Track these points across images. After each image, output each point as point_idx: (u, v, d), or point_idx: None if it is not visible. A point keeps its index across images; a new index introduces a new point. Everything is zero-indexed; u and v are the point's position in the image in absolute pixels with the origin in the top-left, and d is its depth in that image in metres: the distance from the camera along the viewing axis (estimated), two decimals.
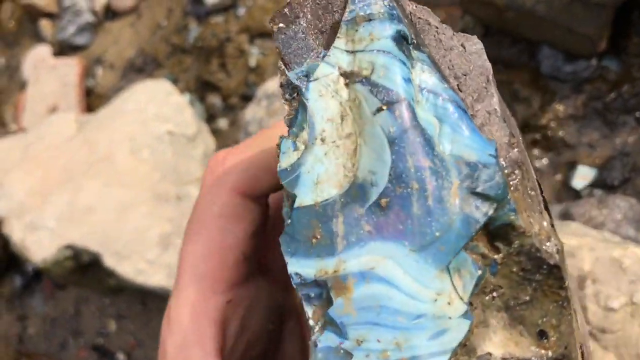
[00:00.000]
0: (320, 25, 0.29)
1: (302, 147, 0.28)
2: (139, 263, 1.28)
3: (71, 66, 1.94)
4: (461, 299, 0.25)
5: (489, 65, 0.30)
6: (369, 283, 0.26)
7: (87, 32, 2.03)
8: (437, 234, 0.25)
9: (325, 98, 0.28)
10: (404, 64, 0.27)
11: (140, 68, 1.86)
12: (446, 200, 0.26)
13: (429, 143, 0.26)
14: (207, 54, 1.68)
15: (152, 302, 1.62)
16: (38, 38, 2.24)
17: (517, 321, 0.27)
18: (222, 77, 1.64)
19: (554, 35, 1.10)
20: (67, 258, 1.37)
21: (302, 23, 0.29)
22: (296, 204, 0.27)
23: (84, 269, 1.41)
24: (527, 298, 0.27)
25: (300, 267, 0.27)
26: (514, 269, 0.27)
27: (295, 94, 0.29)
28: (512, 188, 0.27)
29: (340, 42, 0.28)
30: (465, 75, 0.29)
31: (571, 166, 1.09)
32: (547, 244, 0.27)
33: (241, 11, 1.65)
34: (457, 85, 0.29)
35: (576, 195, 1.06)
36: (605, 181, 1.05)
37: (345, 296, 0.26)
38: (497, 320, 0.27)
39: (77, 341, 1.77)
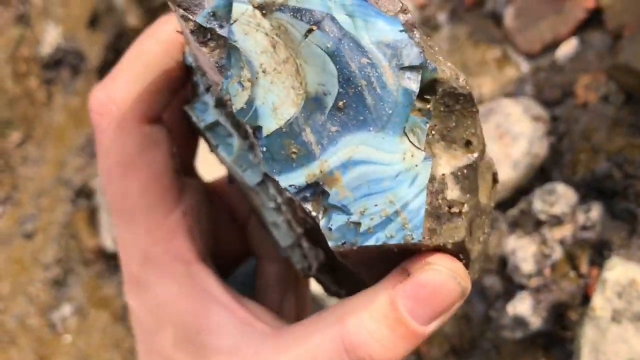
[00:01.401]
0: None
1: (248, 84, 0.30)
2: None
3: None
4: (419, 148, 0.31)
5: None
6: (352, 168, 0.31)
7: None
8: (390, 111, 0.31)
9: (251, 34, 0.30)
10: None
11: None
12: (387, 83, 0.30)
13: (357, 43, 0.30)
14: None
15: None
16: None
17: (451, 142, 0.34)
18: None
19: None
20: None
21: None
22: (264, 133, 0.31)
23: None
24: (454, 124, 0.33)
25: (290, 180, 0.31)
26: (441, 109, 0.33)
27: (210, 36, 0.31)
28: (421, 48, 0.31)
29: None
30: None
31: None
32: (459, 80, 0.33)
33: None
34: None
35: None
36: None
37: (337, 185, 0.31)
38: (439, 148, 0.33)
39: None
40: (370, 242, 0.31)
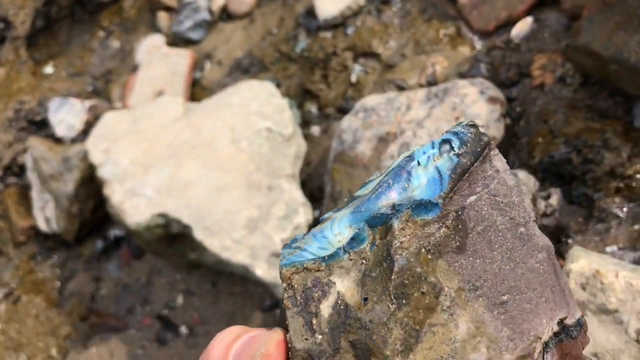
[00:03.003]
0: None
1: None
2: (226, 240, 1.38)
3: (183, 57, 2.09)
4: (344, 243, 0.43)
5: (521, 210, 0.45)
6: (326, 223, 0.45)
7: (201, 28, 2.19)
8: (363, 210, 0.44)
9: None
10: (432, 148, 0.45)
11: (246, 69, 1.99)
12: (380, 202, 0.43)
13: (407, 181, 0.44)
14: (311, 65, 1.79)
15: (222, 284, 1.72)
16: (153, 28, 2.42)
17: (362, 284, 0.42)
18: (322, 87, 1.74)
19: None
20: (158, 225, 1.48)
21: None
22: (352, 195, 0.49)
23: (170, 239, 1.53)
24: (374, 274, 0.42)
25: (324, 215, 0.47)
26: (379, 254, 0.42)
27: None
28: (421, 224, 0.42)
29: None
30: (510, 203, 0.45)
31: None
32: (400, 248, 0.41)
33: (350, 30, 1.76)
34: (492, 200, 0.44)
35: None
36: None
37: (321, 226, 0.45)
38: (355, 275, 0.42)
39: (144, 309, 1.88)
40: (284, 250, 0.45)
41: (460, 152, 0.44)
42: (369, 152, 1.40)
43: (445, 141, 0.45)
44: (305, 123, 1.77)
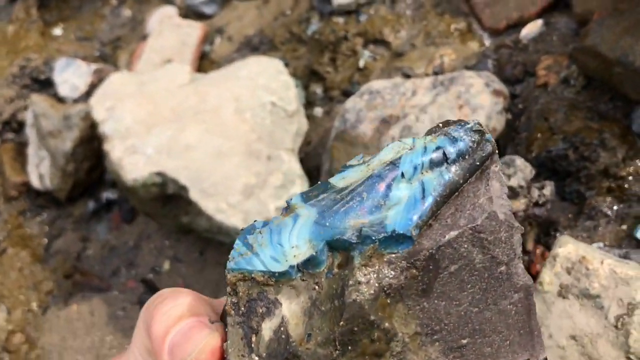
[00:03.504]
0: None
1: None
2: (221, 203, 1.40)
3: (194, 28, 2.11)
4: (299, 261, 0.39)
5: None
6: (287, 219, 0.40)
7: (215, 3, 2.21)
8: (327, 224, 0.39)
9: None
10: (424, 154, 0.39)
11: (256, 47, 2.01)
12: (348, 219, 0.38)
13: (384, 197, 0.39)
14: (321, 47, 1.81)
15: (210, 253, 1.73)
16: (167, 0, 2.43)
17: (309, 314, 0.39)
18: (330, 70, 1.76)
19: None
20: (155, 184, 1.50)
21: None
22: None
23: (165, 199, 1.54)
24: (324, 309, 0.38)
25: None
26: (333, 286, 0.38)
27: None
28: (387, 261, 0.38)
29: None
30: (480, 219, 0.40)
31: (638, 221, 1.16)
32: (355, 291, 0.37)
33: (363, 17, 1.79)
34: (472, 227, 0.39)
35: (637, 244, 1.13)
36: None
37: (277, 222, 0.40)
38: (304, 301, 0.39)
39: (129, 272, 1.89)
40: (238, 242, 0.40)
41: (453, 170, 0.39)
42: (370, 133, 1.42)
43: (440, 148, 0.39)
44: (309, 104, 1.79)
